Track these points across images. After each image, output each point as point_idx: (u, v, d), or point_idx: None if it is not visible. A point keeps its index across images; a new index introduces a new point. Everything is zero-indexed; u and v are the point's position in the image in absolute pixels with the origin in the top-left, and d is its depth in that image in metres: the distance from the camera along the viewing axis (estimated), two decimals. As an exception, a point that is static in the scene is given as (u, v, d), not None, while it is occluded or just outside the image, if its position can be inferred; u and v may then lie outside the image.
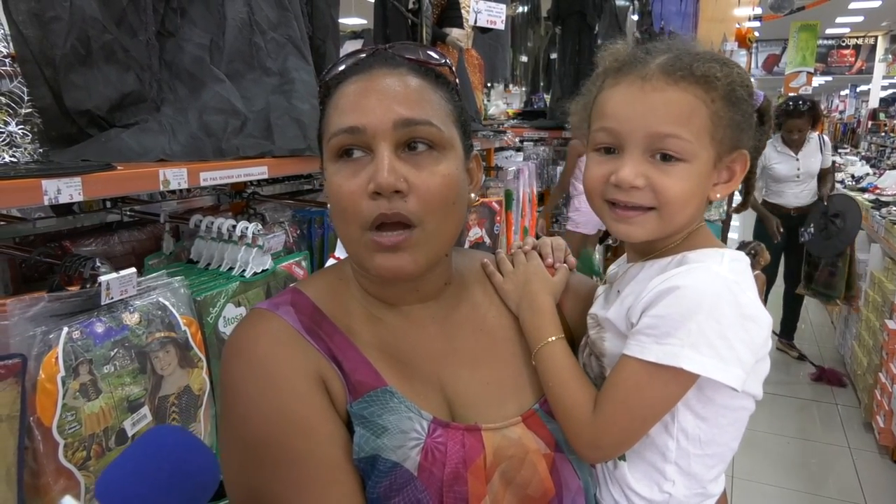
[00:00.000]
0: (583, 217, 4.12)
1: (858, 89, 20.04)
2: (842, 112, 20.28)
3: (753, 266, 0.77)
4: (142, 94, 1.26)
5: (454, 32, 2.62)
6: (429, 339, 0.78)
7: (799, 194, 4.21)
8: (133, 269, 0.99)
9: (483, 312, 0.85)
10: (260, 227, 1.29)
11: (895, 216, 3.91)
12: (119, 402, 0.94)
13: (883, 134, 11.57)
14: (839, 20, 14.35)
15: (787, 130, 4.06)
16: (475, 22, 2.92)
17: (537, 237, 0.97)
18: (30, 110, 0.98)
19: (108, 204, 1.51)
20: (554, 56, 5.22)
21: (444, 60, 0.78)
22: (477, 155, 0.81)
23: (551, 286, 0.86)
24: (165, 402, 1.03)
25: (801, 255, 4.28)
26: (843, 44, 16.41)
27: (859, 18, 14.07)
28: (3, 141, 0.94)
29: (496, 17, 3.00)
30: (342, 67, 0.75)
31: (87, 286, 1.00)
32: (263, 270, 1.29)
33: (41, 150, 1.00)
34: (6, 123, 0.95)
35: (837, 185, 5.96)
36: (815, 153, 4.16)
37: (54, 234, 1.35)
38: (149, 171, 1.03)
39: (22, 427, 0.81)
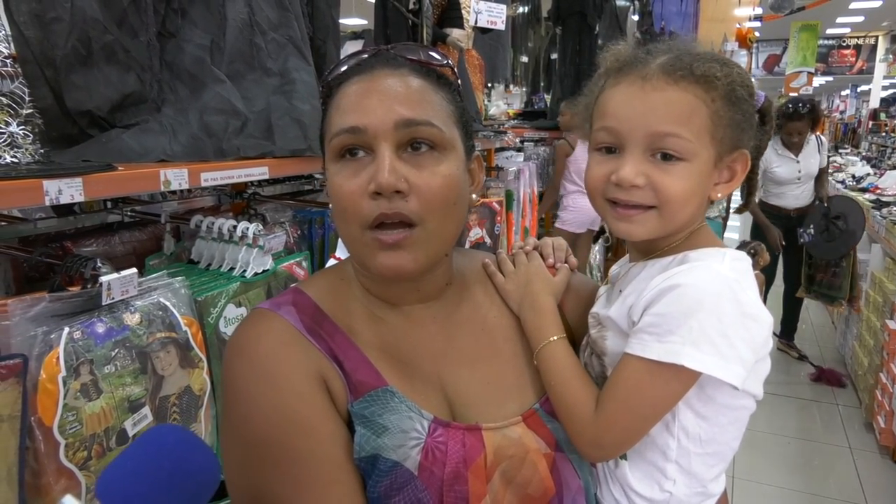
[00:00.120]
0: (570, 215, 4.15)
1: (859, 89, 20.05)
2: (842, 112, 20.28)
3: (753, 266, 0.77)
4: (142, 94, 1.26)
5: (455, 33, 2.63)
6: (430, 339, 0.79)
7: (799, 196, 4.22)
8: (134, 270, 0.99)
9: (484, 312, 0.85)
10: (260, 227, 1.29)
11: (896, 216, 3.91)
12: (120, 403, 0.94)
13: (884, 134, 11.56)
14: (840, 20, 14.36)
15: (787, 133, 4.06)
16: (475, 22, 2.93)
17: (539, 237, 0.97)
18: (31, 111, 0.98)
19: (109, 204, 1.52)
20: (554, 56, 5.23)
21: (445, 61, 0.78)
22: (478, 156, 0.81)
23: (553, 286, 0.86)
24: (166, 402, 1.03)
25: (801, 256, 4.28)
26: (844, 44, 16.42)
27: (860, 18, 14.08)
28: (4, 141, 0.94)
29: (496, 18, 3.00)
30: (344, 68, 0.75)
31: (88, 286, 1.00)
32: (264, 271, 1.29)
33: (42, 151, 1.00)
34: (7, 124, 0.95)
35: (838, 186, 5.97)
36: (814, 154, 4.17)
37: (55, 235, 1.35)
38: (150, 172, 1.03)
39: (23, 427, 0.81)
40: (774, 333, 3.85)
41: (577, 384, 0.76)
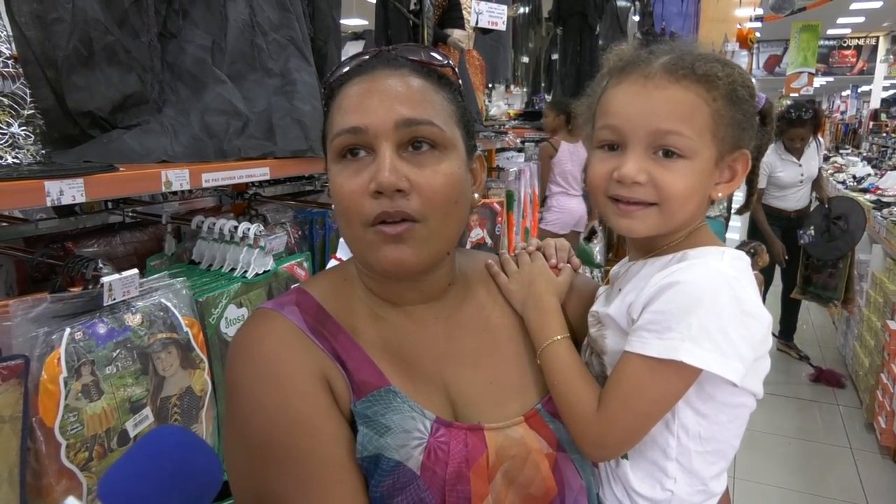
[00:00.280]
0: (554, 216, 4.18)
1: (860, 90, 20.04)
2: (843, 113, 20.26)
3: (752, 266, 0.78)
4: (144, 95, 1.26)
5: (455, 33, 2.63)
6: (432, 339, 0.79)
7: (801, 197, 4.27)
8: (135, 270, 0.99)
9: (487, 313, 0.85)
10: (261, 228, 1.29)
11: (896, 217, 3.91)
12: (121, 403, 0.94)
13: (884, 134, 11.55)
14: (840, 21, 14.35)
15: (789, 139, 4.09)
16: (476, 23, 2.93)
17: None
18: (32, 112, 0.98)
19: (110, 205, 1.52)
20: (555, 57, 5.23)
21: (446, 61, 0.79)
22: (480, 155, 0.81)
23: (556, 286, 0.87)
24: (167, 402, 1.03)
25: (798, 257, 4.30)
26: (845, 44, 16.41)
27: (860, 19, 14.07)
28: (5, 142, 0.94)
29: (497, 18, 3.01)
30: (346, 69, 0.76)
31: (90, 287, 1.00)
32: (265, 271, 1.29)
33: (43, 152, 1.00)
34: (9, 125, 0.95)
35: (839, 186, 5.98)
36: (814, 156, 4.23)
37: (56, 235, 1.35)
38: (151, 173, 1.03)
39: (24, 428, 0.81)
40: (773, 334, 3.85)
41: (579, 383, 0.77)
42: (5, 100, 0.95)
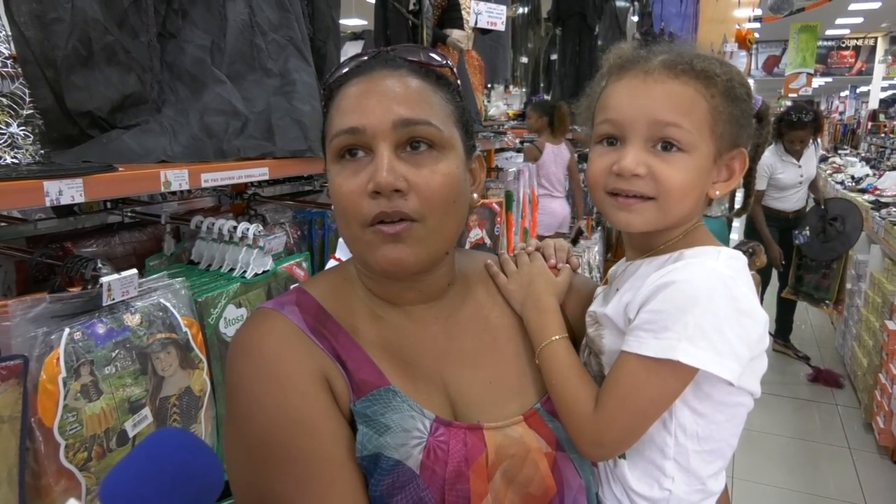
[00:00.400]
0: (538, 217, 4.18)
1: (858, 90, 20.06)
2: (842, 113, 20.28)
3: (750, 266, 0.78)
4: (143, 95, 1.26)
5: (455, 34, 2.62)
6: (432, 339, 0.79)
7: (800, 198, 4.31)
8: (134, 271, 0.99)
9: (486, 313, 0.85)
10: (261, 228, 1.29)
11: (895, 217, 3.91)
12: (120, 403, 0.94)
13: (883, 135, 11.57)
14: (839, 21, 14.37)
15: (789, 141, 4.12)
16: (475, 23, 2.93)
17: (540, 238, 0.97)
18: (31, 111, 0.98)
19: (109, 205, 1.52)
20: (554, 57, 5.23)
21: (445, 62, 0.79)
22: (479, 155, 0.81)
23: (555, 286, 0.87)
24: (166, 403, 1.03)
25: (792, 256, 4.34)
26: (843, 45, 16.43)
27: (859, 20, 14.09)
28: (4, 142, 0.94)
29: (496, 19, 3.01)
30: (344, 70, 0.76)
31: (89, 287, 1.00)
32: (264, 271, 1.29)
33: (42, 152, 1.00)
34: (8, 125, 0.95)
35: (837, 187, 5.99)
36: (812, 157, 4.29)
37: (55, 235, 1.35)
38: (150, 173, 1.03)
39: (23, 428, 0.81)
40: (770, 333, 3.86)
41: (577, 383, 0.77)
42: (4, 100, 0.95)
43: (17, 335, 0.84)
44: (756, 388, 0.77)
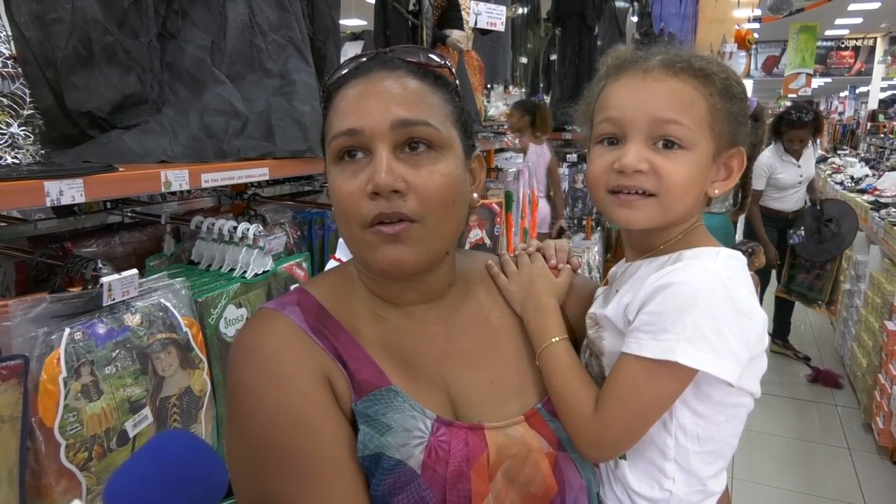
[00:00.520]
0: None
1: (858, 91, 20.06)
2: (841, 113, 20.28)
3: (749, 266, 0.78)
4: (143, 95, 1.26)
5: (454, 34, 2.62)
6: (433, 339, 0.79)
7: (799, 199, 4.32)
8: (134, 271, 0.99)
9: (487, 313, 0.85)
10: (261, 228, 1.29)
11: (894, 217, 3.91)
12: (120, 403, 0.94)
13: (882, 135, 11.57)
14: (838, 21, 14.38)
15: (789, 140, 4.12)
16: (475, 23, 2.93)
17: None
18: (31, 112, 0.98)
19: (109, 205, 1.52)
20: (554, 57, 5.23)
21: (443, 62, 0.79)
22: (479, 155, 0.81)
23: (555, 287, 0.87)
24: (167, 403, 1.03)
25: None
26: (843, 45, 16.44)
27: (858, 20, 14.09)
28: (5, 142, 0.94)
29: (496, 19, 3.00)
30: (343, 72, 0.76)
31: (89, 287, 1.00)
32: (264, 272, 1.30)
33: (43, 152, 1.00)
34: (8, 125, 0.95)
35: (836, 187, 5.99)
36: (811, 157, 4.30)
37: (55, 235, 1.35)
38: (150, 173, 1.03)
39: (24, 428, 0.81)
40: (768, 333, 3.86)
41: (577, 384, 0.77)
42: (5, 100, 0.95)
43: (18, 335, 0.84)
44: (756, 389, 0.77)
